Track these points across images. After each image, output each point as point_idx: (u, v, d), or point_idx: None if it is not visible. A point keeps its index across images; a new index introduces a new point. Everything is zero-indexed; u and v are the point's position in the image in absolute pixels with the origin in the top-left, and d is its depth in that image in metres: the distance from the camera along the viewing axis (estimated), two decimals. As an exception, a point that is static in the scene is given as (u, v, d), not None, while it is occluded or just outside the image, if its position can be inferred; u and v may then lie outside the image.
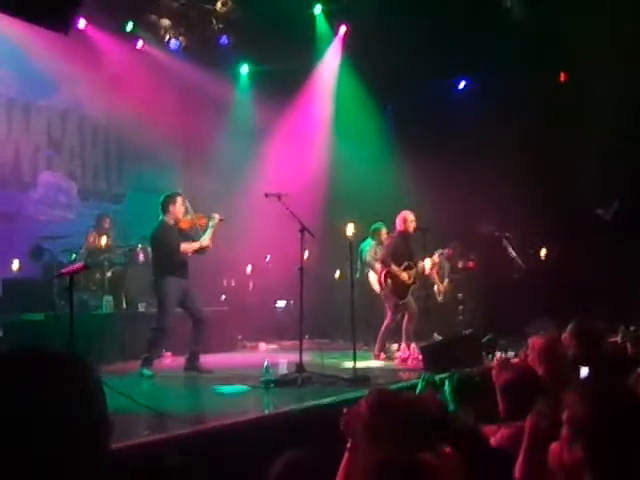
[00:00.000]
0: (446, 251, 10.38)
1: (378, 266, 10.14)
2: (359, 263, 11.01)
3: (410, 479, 1.83)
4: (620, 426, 2.15)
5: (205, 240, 8.45)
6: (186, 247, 8.33)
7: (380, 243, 10.67)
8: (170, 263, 8.26)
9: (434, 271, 10.70)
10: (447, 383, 4.40)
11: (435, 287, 11.26)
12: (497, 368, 4.11)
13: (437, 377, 4.63)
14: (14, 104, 12.00)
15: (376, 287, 10.27)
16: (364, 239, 11.01)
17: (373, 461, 2.01)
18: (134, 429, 5.28)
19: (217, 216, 8.56)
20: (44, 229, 11.18)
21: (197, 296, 8.65)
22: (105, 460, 1.29)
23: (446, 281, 11.51)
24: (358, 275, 10.75)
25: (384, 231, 10.71)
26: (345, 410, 3.44)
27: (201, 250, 8.49)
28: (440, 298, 11.35)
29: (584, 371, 4.42)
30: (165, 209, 8.42)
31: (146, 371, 8.02)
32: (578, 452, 2.16)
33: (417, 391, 4.52)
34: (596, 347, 4.81)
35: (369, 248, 10.92)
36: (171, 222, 8.42)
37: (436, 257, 10.13)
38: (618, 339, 5.94)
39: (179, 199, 8.46)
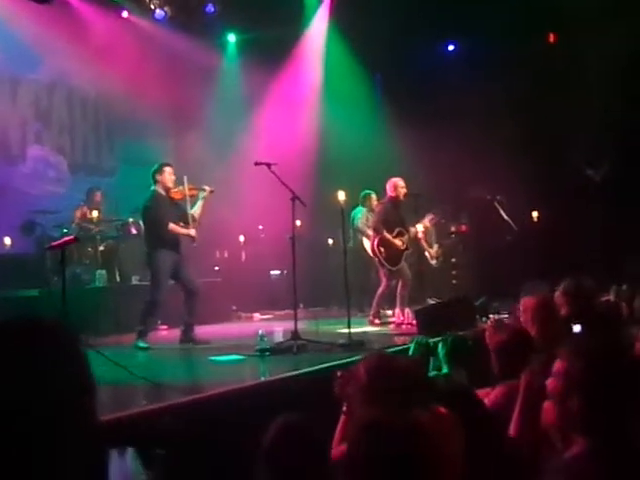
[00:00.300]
0: (430, 217, 10.36)
1: (370, 232, 10.16)
2: (351, 231, 11.02)
3: (404, 437, 1.83)
4: (614, 380, 2.16)
5: (195, 211, 8.44)
6: (174, 228, 8.29)
7: (371, 210, 10.68)
8: (162, 235, 8.24)
9: (422, 237, 10.72)
10: (440, 346, 4.43)
11: (426, 253, 11.27)
12: (490, 330, 4.14)
13: (430, 340, 4.66)
14: (0, 78, 11.88)
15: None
16: (354, 206, 11.01)
17: (366, 420, 2.01)
18: (131, 400, 5.32)
19: (207, 188, 8.55)
20: (35, 203, 11.10)
21: (189, 267, 8.65)
22: (94, 423, 1.31)
23: (435, 246, 11.51)
24: (351, 243, 10.77)
25: (374, 197, 10.73)
26: (339, 373, 3.46)
27: (193, 239, 8.47)
28: (434, 262, 11.37)
29: (576, 329, 4.45)
30: (155, 179, 8.41)
31: (141, 343, 8.04)
32: (573, 406, 2.17)
33: (410, 354, 4.56)
34: (588, 305, 4.85)
35: (360, 215, 10.95)
36: (162, 192, 8.40)
37: (427, 221, 10.15)
38: (611, 297, 5.96)
39: (167, 168, 8.44)
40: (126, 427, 4.05)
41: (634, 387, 2.17)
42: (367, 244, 10.55)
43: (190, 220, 8.40)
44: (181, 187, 8.48)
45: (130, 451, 1.62)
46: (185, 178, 8.49)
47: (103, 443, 1.35)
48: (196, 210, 8.46)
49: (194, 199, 8.52)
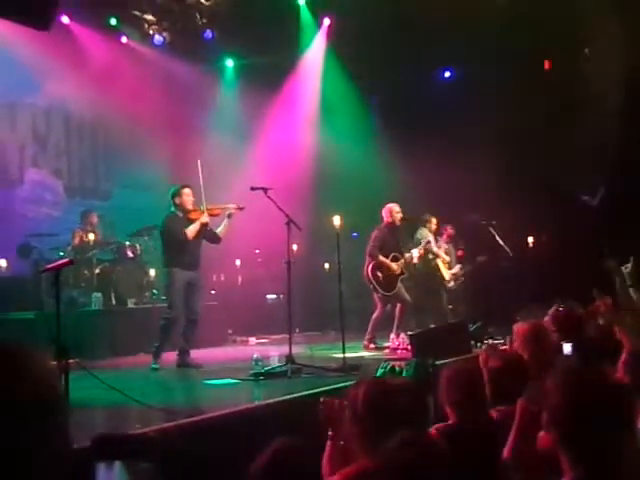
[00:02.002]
0: (426, 241, 10.38)
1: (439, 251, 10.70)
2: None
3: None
4: (588, 415, 2.19)
5: (220, 230, 8.54)
6: (190, 229, 8.34)
7: (431, 232, 10.88)
8: (176, 254, 8.33)
9: (441, 258, 10.84)
10: (405, 371, 4.47)
11: (445, 274, 11.23)
12: (484, 355, 4.16)
13: (396, 366, 4.73)
14: (-2, 101, 11.96)
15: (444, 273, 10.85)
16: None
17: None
18: (125, 422, 5.32)
19: (232, 206, 8.59)
20: (31, 227, 11.16)
21: (199, 294, 8.76)
22: (65, 445, 1.31)
23: (457, 267, 11.51)
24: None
25: (434, 220, 10.95)
26: (321, 399, 3.49)
27: (213, 239, 8.54)
28: (451, 285, 11.35)
29: (567, 348, 4.48)
30: (174, 202, 8.51)
31: (154, 364, 8.16)
32: (554, 438, 2.22)
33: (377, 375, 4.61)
34: (578, 330, 4.87)
35: (425, 236, 10.89)
36: (180, 214, 8.48)
37: (422, 247, 10.20)
38: (601, 321, 5.98)
39: (185, 190, 8.53)
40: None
41: (613, 419, 2.20)
42: (442, 267, 10.79)
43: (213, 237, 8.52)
44: (201, 207, 8.52)
45: (117, 465, 1.62)
46: (199, 162, 8.57)
47: (73, 465, 1.34)
48: (221, 229, 8.53)
49: (218, 218, 8.57)
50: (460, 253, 12.34)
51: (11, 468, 1.20)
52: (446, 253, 11.22)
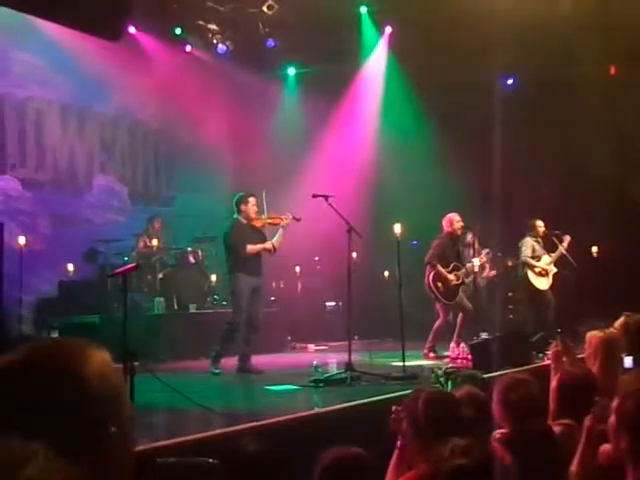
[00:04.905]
0: (486, 251, 10.25)
1: (533, 263, 10.49)
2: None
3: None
4: None
5: (276, 240, 8.62)
6: (251, 248, 8.49)
7: (537, 237, 10.71)
8: (240, 260, 8.44)
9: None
10: (450, 384, 4.44)
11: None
12: (556, 349, 4.09)
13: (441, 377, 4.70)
14: (69, 109, 12.29)
15: (537, 284, 10.52)
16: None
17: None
18: (187, 426, 5.40)
19: (289, 216, 8.70)
20: (98, 232, 11.42)
21: (261, 300, 8.88)
22: (128, 450, 1.34)
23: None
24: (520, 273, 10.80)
25: (540, 224, 10.73)
26: (394, 408, 3.46)
27: (270, 251, 8.65)
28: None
29: (628, 361, 4.39)
30: (238, 208, 8.63)
31: (214, 369, 8.29)
32: (623, 442, 2.17)
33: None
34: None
35: (525, 247, 10.76)
36: (244, 221, 8.61)
37: (483, 256, 10.10)
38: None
39: (251, 199, 8.65)
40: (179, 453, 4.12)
41: None
42: (532, 277, 10.61)
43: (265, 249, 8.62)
44: (263, 216, 8.66)
45: None
46: (264, 194, 8.69)
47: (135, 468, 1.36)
48: (277, 239, 8.63)
49: (276, 228, 8.69)
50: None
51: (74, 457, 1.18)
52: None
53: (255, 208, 8.64)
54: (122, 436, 1.31)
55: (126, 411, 1.35)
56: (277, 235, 8.65)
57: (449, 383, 5.96)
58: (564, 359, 4.60)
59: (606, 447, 2.38)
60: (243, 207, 8.60)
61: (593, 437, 3.10)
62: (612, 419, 2.27)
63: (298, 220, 8.77)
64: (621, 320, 4.97)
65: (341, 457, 2.81)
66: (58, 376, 1.27)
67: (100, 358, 1.34)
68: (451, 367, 7.31)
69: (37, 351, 1.31)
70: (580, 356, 4.99)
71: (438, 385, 5.72)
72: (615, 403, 2.27)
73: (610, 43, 11.79)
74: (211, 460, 3.56)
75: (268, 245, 8.57)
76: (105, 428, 1.28)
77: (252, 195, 8.72)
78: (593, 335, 4.57)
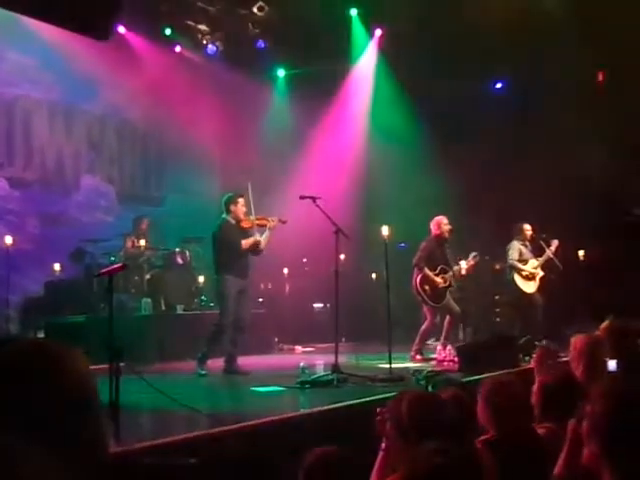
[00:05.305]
0: (474, 254, 10.24)
1: (520, 267, 10.55)
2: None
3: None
4: (634, 426, 2.15)
5: (262, 242, 8.61)
6: (246, 242, 8.52)
7: (525, 240, 10.77)
8: (229, 261, 8.43)
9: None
10: (430, 387, 4.46)
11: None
12: (539, 354, 4.11)
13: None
14: (56, 108, 12.27)
15: (524, 287, 10.54)
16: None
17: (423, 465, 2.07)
18: (172, 427, 5.39)
19: (276, 219, 8.71)
20: (85, 232, 11.37)
21: (248, 302, 8.85)
22: (99, 451, 1.33)
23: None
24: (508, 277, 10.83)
25: (527, 227, 10.77)
26: (378, 410, 3.47)
27: (255, 251, 8.64)
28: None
29: (612, 364, 4.42)
30: (227, 209, 8.63)
31: (200, 370, 8.25)
32: (594, 446, 2.18)
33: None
34: (630, 345, 4.79)
35: (512, 250, 10.80)
36: (232, 221, 8.60)
37: (470, 259, 10.12)
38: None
39: (240, 200, 8.65)
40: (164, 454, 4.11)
41: None
42: (519, 280, 10.63)
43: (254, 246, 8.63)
44: (251, 217, 8.67)
45: None
46: (249, 185, 8.71)
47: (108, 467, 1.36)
48: (263, 240, 8.63)
49: (262, 229, 8.70)
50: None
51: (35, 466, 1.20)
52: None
53: (244, 209, 8.64)
54: (94, 435, 1.32)
55: (98, 411, 1.35)
56: (264, 236, 8.64)
57: (430, 386, 6.02)
58: (548, 362, 4.62)
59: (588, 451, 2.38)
60: (232, 207, 8.60)
61: (577, 440, 3.11)
62: (584, 423, 2.28)
63: (284, 222, 8.79)
64: (605, 323, 5.00)
65: (325, 456, 2.81)
66: (28, 376, 1.27)
67: (72, 358, 1.34)
68: (432, 370, 7.32)
69: (8, 352, 1.31)
70: (565, 359, 5.02)
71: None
72: (587, 407, 2.28)
73: (598, 49, 11.85)
74: (192, 460, 3.57)
75: (259, 238, 8.56)
76: (76, 428, 1.28)
77: (241, 196, 8.72)
78: (577, 338, 4.60)
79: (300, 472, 2.71)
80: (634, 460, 2.12)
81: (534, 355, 4.12)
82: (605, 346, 4.70)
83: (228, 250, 8.46)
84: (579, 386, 3.90)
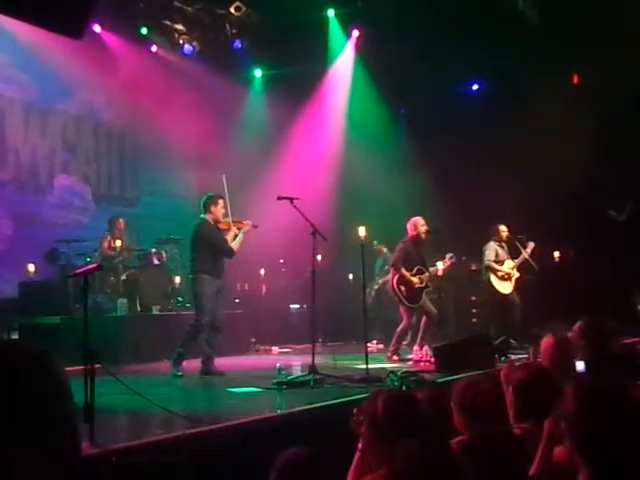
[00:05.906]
0: (450, 255, 10.27)
1: (496, 267, 10.66)
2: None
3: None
4: (605, 424, 2.16)
5: (235, 245, 8.58)
6: (235, 244, 8.54)
7: (501, 241, 10.86)
8: (208, 261, 8.44)
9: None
10: (405, 387, 4.48)
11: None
12: (505, 370, 4.13)
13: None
14: (31, 108, 12.15)
15: (500, 288, 10.66)
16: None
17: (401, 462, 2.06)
18: (148, 428, 5.35)
19: (250, 223, 8.73)
20: (60, 232, 11.27)
21: (223, 301, 8.86)
22: (73, 454, 1.32)
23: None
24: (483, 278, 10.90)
25: (503, 229, 10.86)
26: (355, 411, 3.46)
27: (228, 254, 8.61)
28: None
29: (580, 365, 4.45)
30: (207, 209, 8.60)
31: (176, 371, 8.21)
32: (568, 443, 2.20)
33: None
34: (603, 346, 4.82)
35: (488, 251, 10.90)
36: (211, 222, 8.57)
37: (447, 260, 10.15)
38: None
39: (220, 201, 8.64)
40: (138, 455, 4.08)
41: (628, 433, 2.17)
42: (495, 281, 10.71)
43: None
44: (228, 219, 8.65)
45: None
46: (223, 177, 8.69)
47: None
48: (236, 243, 8.61)
49: (237, 232, 8.68)
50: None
51: (7, 467, 1.20)
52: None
53: (223, 210, 8.63)
54: (68, 437, 1.30)
55: (69, 412, 1.33)
56: (237, 239, 8.62)
57: (404, 387, 6.05)
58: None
59: (561, 449, 2.39)
60: (212, 208, 8.57)
61: (553, 439, 3.12)
62: (560, 423, 2.31)
63: (256, 227, 8.82)
64: (578, 324, 5.03)
65: (295, 457, 2.79)
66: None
67: (44, 359, 1.32)
68: (406, 371, 7.33)
69: None
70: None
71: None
72: (563, 405, 2.30)
73: (572, 52, 11.96)
74: (169, 460, 3.54)
75: (235, 247, 8.55)
76: (49, 429, 1.26)
77: (221, 197, 8.70)
78: (546, 338, 4.64)
79: (271, 474, 2.70)
80: (608, 459, 2.14)
81: (502, 370, 4.12)
82: (572, 346, 4.73)
83: (208, 250, 8.45)
84: (553, 385, 3.91)
